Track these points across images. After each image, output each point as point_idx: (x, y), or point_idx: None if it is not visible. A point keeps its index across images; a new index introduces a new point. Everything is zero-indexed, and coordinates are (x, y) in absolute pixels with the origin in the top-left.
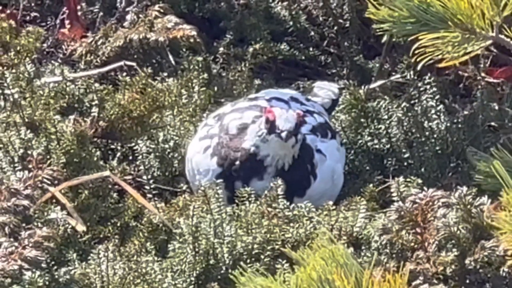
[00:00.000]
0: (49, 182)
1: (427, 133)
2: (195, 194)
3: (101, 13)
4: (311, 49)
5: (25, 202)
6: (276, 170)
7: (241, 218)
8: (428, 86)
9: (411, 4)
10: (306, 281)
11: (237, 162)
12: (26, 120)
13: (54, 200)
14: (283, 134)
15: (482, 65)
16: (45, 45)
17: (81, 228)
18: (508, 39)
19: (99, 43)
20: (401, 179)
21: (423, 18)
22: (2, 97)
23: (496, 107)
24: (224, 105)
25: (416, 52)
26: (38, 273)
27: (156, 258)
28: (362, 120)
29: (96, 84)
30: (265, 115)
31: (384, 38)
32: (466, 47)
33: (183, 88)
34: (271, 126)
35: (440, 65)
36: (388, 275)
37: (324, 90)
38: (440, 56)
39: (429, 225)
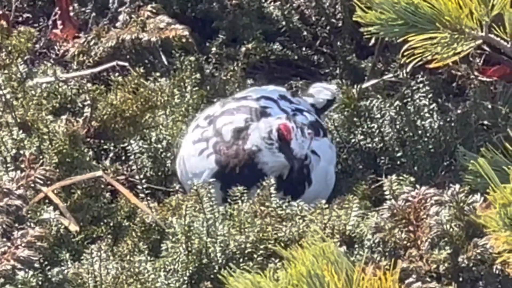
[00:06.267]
0: (41, 182)
1: (420, 132)
2: (188, 194)
3: (93, 14)
4: (304, 49)
5: (18, 202)
6: (274, 179)
7: (234, 217)
8: (421, 85)
9: (398, 6)
10: (296, 277)
11: (237, 168)
12: (18, 120)
13: (46, 200)
14: (295, 163)
15: (475, 64)
16: (37, 45)
17: (74, 228)
18: (498, 38)
19: (91, 43)
20: (393, 177)
21: (410, 20)
22: None
23: (489, 106)
24: (213, 105)
25: (406, 53)
26: (31, 273)
27: (149, 258)
28: (355, 119)
29: (89, 84)
30: (280, 131)
31: (372, 41)
32: (455, 47)
33: (176, 88)
34: (284, 146)
35: (430, 66)
36: (379, 272)
37: (320, 90)
38: (430, 57)
39: (421, 223)
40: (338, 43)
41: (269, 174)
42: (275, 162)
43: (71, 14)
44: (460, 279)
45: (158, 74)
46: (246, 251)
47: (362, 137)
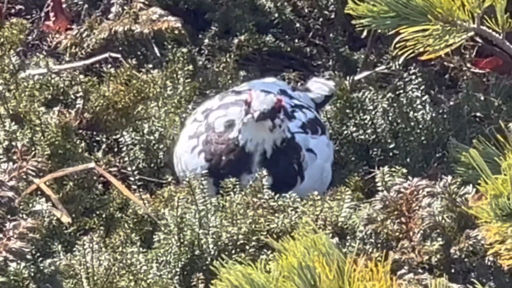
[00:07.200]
0: (34, 174)
1: (412, 123)
2: (181, 185)
3: (85, 5)
4: (296, 40)
5: (10, 194)
6: (260, 158)
7: (226, 208)
8: (413, 77)
9: None
10: (287, 268)
11: (223, 157)
12: (11, 112)
13: (39, 192)
14: (255, 114)
15: (467, 56)
16: (30, 37)
17: (66, 219)
18: (490, 30)
19: (84, 35)
20: (386, 169)
21: (402, 12)
22: None
23: (482, 98)
24: (213, 98)
25: (398, 45)
26: (23, 264)
27: (141, 249)
28: (347, 111)
29: (81, 76)
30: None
31: (364, 33)
32: (447, 40)
33: (168, 79)
34: (248, 107)
35: (422, 58)
36: (370, 263)
37: (318, 85)
38: (422, 49)
39: (414, 214)
40: (331, 35)
41: (254, 152)
42: (250, 132)
43: (64, 5)
44: (452, 270)
45: (150, 65)
46: (238, 243)
47: (354, 128)
